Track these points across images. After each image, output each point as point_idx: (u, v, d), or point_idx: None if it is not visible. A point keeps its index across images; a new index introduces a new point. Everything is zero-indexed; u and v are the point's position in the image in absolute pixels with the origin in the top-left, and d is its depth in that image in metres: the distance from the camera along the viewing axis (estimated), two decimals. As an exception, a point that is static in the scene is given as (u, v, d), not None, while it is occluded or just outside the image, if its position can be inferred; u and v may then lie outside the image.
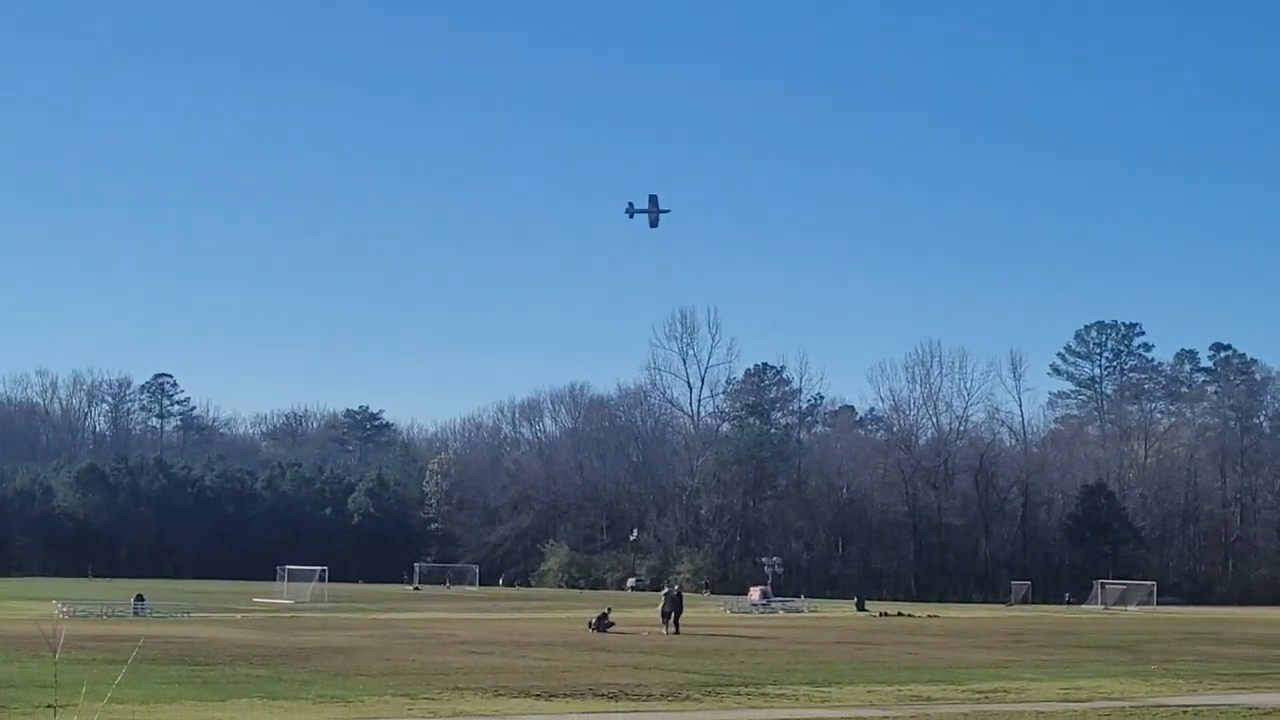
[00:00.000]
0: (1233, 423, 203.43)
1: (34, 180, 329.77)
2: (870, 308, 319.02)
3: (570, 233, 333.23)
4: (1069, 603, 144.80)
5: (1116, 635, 77.47)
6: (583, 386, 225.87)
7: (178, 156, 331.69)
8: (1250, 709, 35.61)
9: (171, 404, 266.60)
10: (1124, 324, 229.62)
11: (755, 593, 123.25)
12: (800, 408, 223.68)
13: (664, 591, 78.99)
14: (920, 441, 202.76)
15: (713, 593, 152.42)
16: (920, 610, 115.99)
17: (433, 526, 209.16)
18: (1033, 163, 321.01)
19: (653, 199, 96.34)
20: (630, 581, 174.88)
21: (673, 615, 71.89)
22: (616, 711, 32.91)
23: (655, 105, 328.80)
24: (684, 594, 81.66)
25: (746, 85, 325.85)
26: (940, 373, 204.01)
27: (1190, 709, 35.25)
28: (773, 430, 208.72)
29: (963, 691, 40.45)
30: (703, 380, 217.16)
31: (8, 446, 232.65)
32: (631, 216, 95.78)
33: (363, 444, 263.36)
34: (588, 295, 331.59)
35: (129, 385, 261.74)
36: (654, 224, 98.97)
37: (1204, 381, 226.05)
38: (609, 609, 76.27)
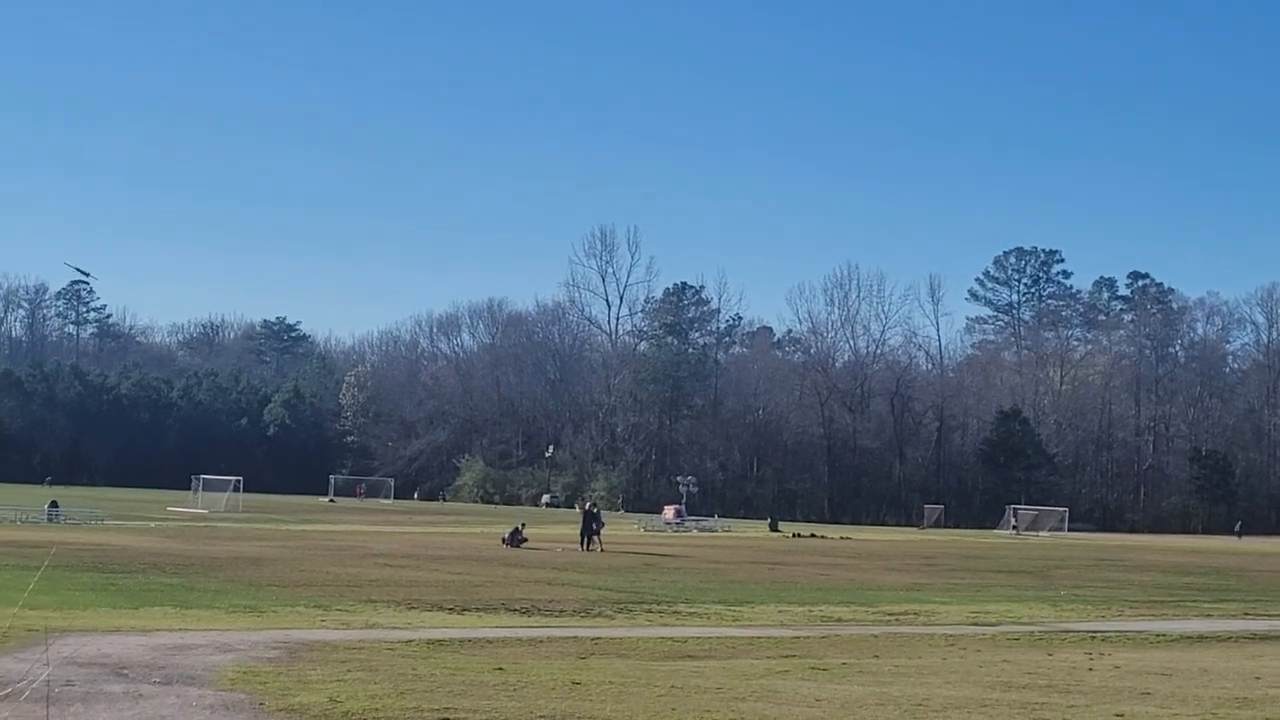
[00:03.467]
0: (1148, 351, 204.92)
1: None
2: (791, 229, 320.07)
3: (492, 145, 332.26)
4: (1014, 529, 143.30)
5: (1027, 561, 78.00)
6: (501, 302, 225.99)
7: (95, 58, 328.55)
8: (1157, 636, 35.97)
9: (88, 311, 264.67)
10: (1043, 251, 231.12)
11: (669, 511, 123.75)
12: (718, 328, 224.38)
13: (586, 509, 78.41)
14: (837, 364, 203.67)
15: (625, 510, 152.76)
16: (833, 532, 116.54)
17: (349, 439, 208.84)
18: (956, 87, 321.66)
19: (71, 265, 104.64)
20: (545, 498, 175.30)
21: (587, 532, 71.97)
22: (529, 626, 32.97)
23: (581, 20, 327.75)
24: (600, 511, 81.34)
25: (672, 4, 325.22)
26: (858, 295, 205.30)
27: (1097, 635, 35.56)
28: (690, 350, 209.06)
29: (873, 613, 40.70)
30: (621, 298, 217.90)
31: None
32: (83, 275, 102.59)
33: (279, 355, 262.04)
34: (509, 210, 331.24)
35: (45, 291, 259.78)
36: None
37: (1121, 310, 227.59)
38: (523, 524, 76.28)
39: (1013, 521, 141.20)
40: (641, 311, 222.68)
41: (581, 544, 71.15)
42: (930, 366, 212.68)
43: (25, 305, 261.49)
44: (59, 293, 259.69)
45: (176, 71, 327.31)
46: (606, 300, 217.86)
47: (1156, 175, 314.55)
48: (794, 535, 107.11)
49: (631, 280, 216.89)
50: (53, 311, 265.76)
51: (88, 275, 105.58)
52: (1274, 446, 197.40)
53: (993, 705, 20.21)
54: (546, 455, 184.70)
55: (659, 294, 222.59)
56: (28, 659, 21.39)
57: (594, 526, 72.63)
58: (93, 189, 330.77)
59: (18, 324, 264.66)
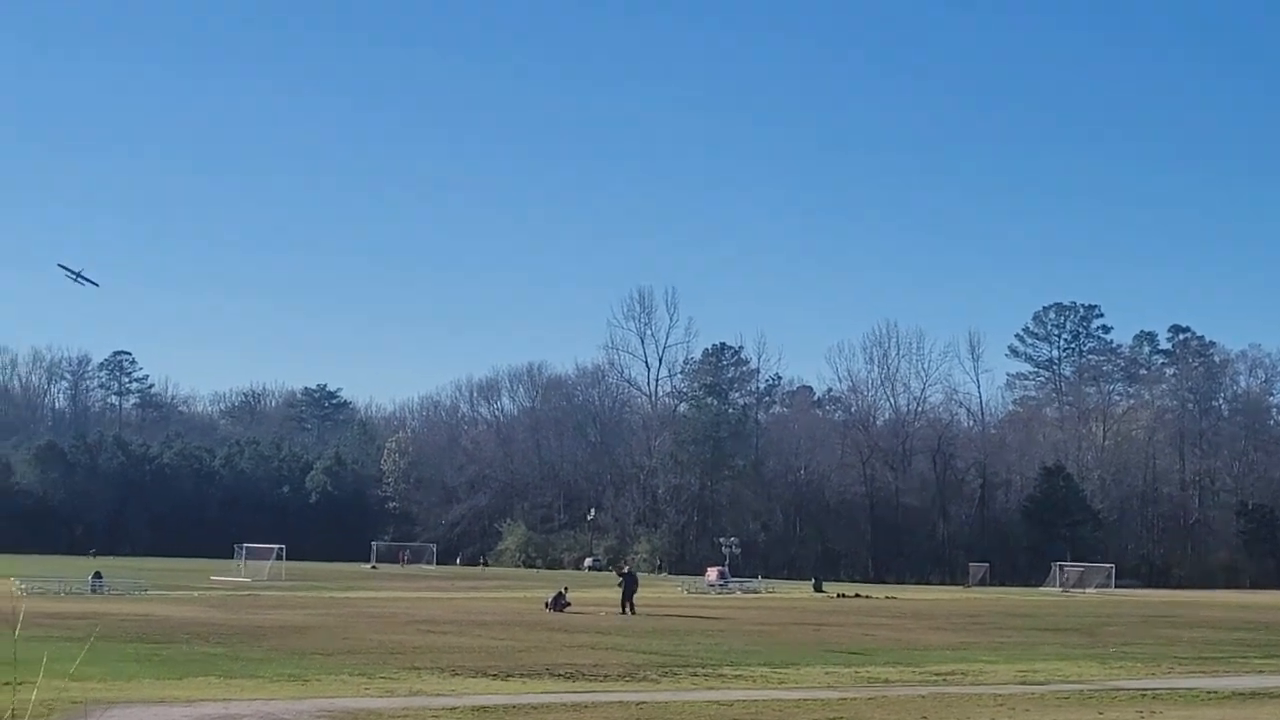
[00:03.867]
0: (1191, 405, 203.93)
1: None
2: (829, 288, 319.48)
3: (530, 209, 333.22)
4: (1063, 587, 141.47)
5: (1074, 618, 77.66)
6: (541, 366, 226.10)
7: (135, 130, 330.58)
8: (1209, 693, 35.68)
9: (130, 381, 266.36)
10: (1083, 305, 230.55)
11: (713, 573, 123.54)
12: (758, 388, 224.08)
13: (622, 572, 79.04)
14: (878, 422, 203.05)
15: (669, 573, 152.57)
16: (877, 591, 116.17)
17: (390, 505, 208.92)
18: (992, 141, 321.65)
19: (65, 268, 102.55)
20: (587, 561, 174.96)
21: (624, 595, 71.95)
22: (574, 691, 32.85)
23: (617, 82, 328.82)
24: (637, 574, 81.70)
25: (707, 58, 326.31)
26: (898, 353, 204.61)
27: (1148, 692, 35.30)
28: (730, 410, 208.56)
29: (920, 674, 40.47)
30: (660, 360, 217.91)
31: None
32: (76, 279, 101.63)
33: (320, 422, 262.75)
34: (547, 273, 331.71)
35: (88, 362, 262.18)
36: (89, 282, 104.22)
37: (1163, 364, 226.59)
38: (565, 588, 76.22)
39: (1060, 578, 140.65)
40: (681, 373, 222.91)
41: (622, 607, 71.00)
42: (972, 423, 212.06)
43: (68, 377, 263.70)
44: (101, 364, 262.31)
45: (215, 141, 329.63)
46: (646, 362, 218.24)
47: (1196, 228, 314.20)
48: (838, 595, 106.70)
49: (670, 341, 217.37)
50: (95, 383, 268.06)
51: (82, 280, 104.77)
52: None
53: (1044, 766, 20.03)
54: (588, 518, 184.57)
55: (698, 355, 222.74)
56: (72, 732, 21.34)
57: (632, 589, 72.69)
58: (134, 259, 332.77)
59: (60, 395, 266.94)
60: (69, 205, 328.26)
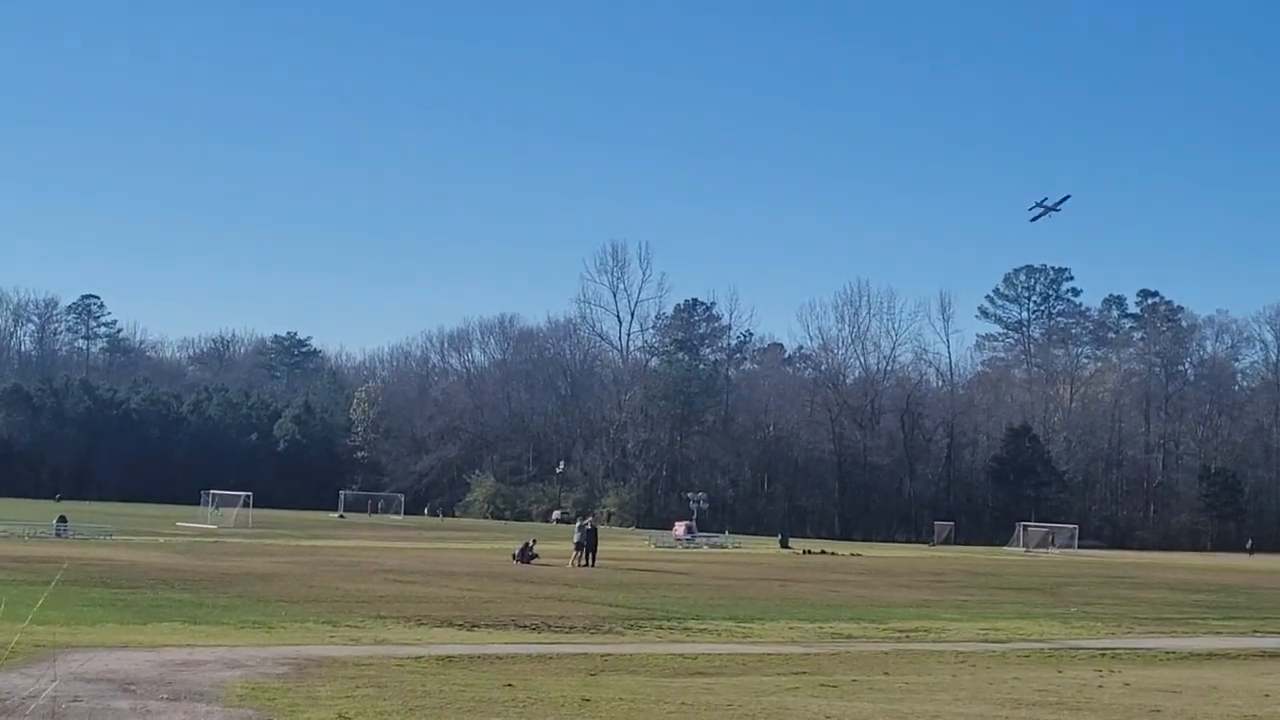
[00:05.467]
0: (1158, 369, 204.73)
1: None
2: (802, 246, 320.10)
3: (504, 161, 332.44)
4: (1025, 547, 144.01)
5: (1037, 578, 77.94)
6: (512, 318, 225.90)
7: (104, 76, 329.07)
8: (1167, 653, 35.89)
9: (98, 325, 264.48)
10: (1053, 268, 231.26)
11: (680, 528, 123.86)
12: (729, 344, 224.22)
13: (578, 524, 79.41)
14: (848, 380, 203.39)
15: (638, 526, 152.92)
16: (843, 549, 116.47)
17: (359, 455, 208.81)
18: (967, 103, 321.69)
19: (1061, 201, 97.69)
20: (556, 514, 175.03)
21: (586, 549, 72.19)
22: (539, 642, 32.92)
23: (592, 36, 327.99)
24: (600, 528, 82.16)
25: (685, 18, 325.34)
26: (869, 312, 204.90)
27: (1108, 652, 35.50)
28: (701, 366, 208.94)
29: (883, 630, 40.64)
30: (633, 314, 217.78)
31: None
32: (1034, 219, 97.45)
33: (290, 370, 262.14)
34: (521, 226, 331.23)
35: (55, 305, 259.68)
36: (1034, 219, 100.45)
37: (1131, 328, 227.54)
38: (533, 540, 76.32)
39: (1025, 538, 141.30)
40: (653, 328, 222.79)
41: (585, 559, 71.26)
42: (940, 383, 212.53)
43: (35, 320, 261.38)
44: (69, 307, 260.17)
45: (188, 88, 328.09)
46: (618, 316, 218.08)
47: (1167, 193, 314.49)
48: (804, 552, 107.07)
49: (643, 296, 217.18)
50: (63, 326, 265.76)
51: (1053, 209, 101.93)
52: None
53: (1002, 723, 20.16)
54: (557, 471, 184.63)
55: (670, 310, 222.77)
56: (34, 674, 21.36)
57: (593, 542, 73.01)
58: (103, 204, 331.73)
59: (27, 339, 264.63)
60: (41, 146, 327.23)
